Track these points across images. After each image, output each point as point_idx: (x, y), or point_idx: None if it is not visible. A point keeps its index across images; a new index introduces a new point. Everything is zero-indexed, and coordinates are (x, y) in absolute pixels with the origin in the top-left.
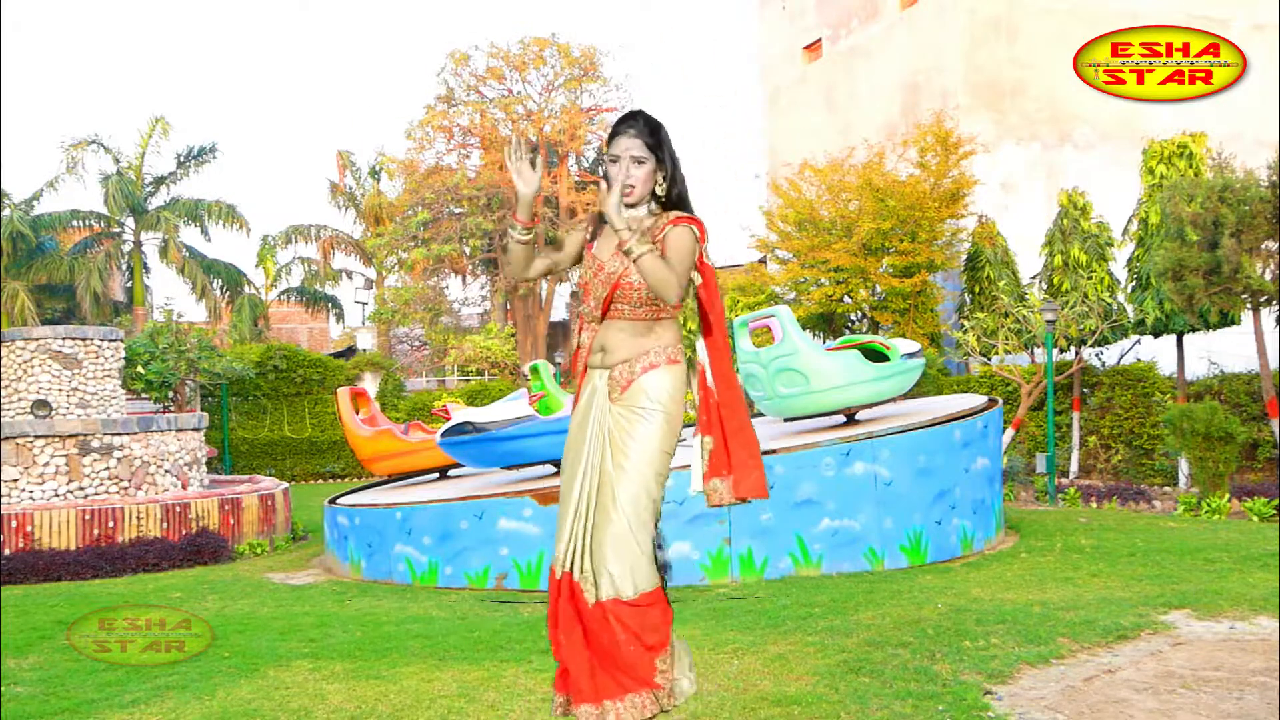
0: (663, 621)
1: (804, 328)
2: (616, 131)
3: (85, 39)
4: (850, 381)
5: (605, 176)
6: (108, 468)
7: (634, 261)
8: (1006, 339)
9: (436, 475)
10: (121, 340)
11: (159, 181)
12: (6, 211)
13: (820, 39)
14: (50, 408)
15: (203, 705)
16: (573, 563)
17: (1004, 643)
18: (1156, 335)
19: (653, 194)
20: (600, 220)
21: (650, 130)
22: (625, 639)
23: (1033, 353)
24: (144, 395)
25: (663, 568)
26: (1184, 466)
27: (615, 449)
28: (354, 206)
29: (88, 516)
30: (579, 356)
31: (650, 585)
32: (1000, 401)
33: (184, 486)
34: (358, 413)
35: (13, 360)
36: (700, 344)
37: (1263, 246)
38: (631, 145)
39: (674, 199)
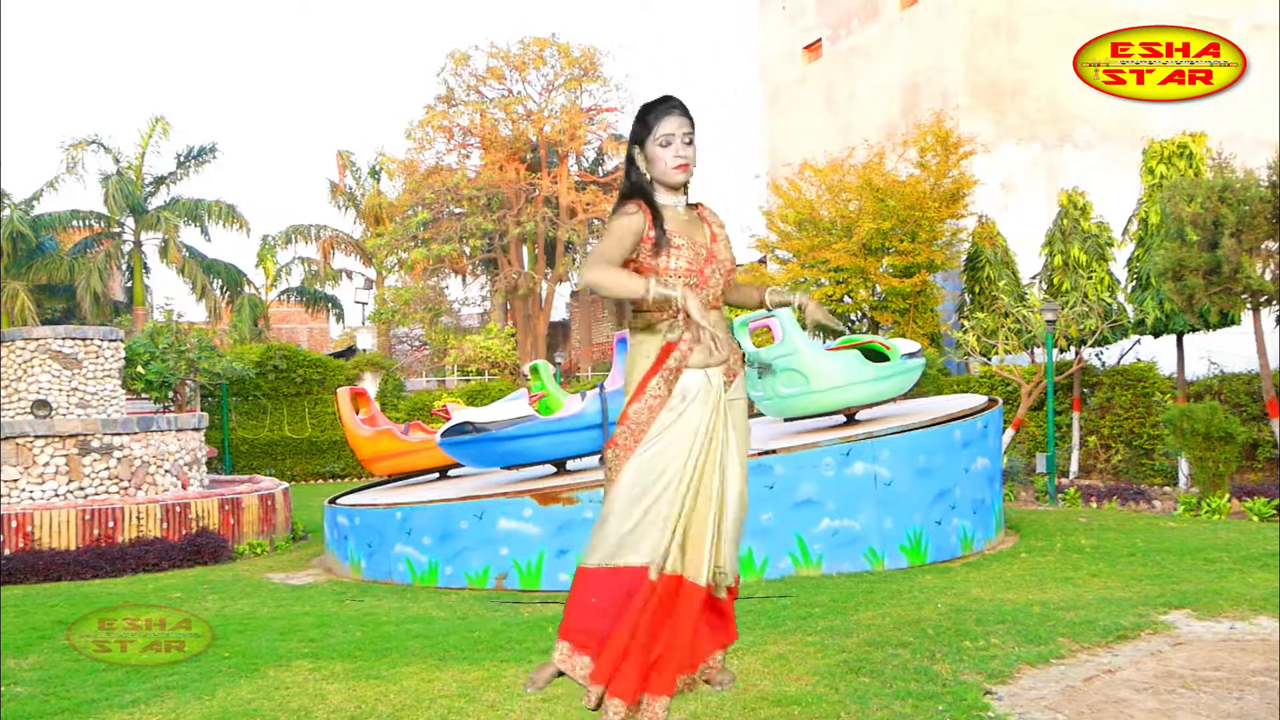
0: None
1: (804, 328)
2: (661, 113)
3: (85, 39)
4: (850, 381)
5: (629, 160)
6: (108, 468)
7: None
8: (1006, 339)
9: (436, 475)
10: (121, 340)
11: (159, 181)
12: (6, 211)
13: (820, 39)
14: (50, 408)
15: (203, 705)
16: (688, 560)
17: (1004, 643)
18: (1156, 335)
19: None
20: (660, 230)
21: (688, 114)
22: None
23: (1033, 353)
24: (144, 395)
25: None
26: (1184, 466)
27: (739, 442)
28: (354, 206)
29: (88, 516)
30: (667, 349)
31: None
32: (1000, 401)
33: (184, 486)
34: (358, 413)
35: (13, 360)
36: None
37: (1263, 246)
38: (683, 124)
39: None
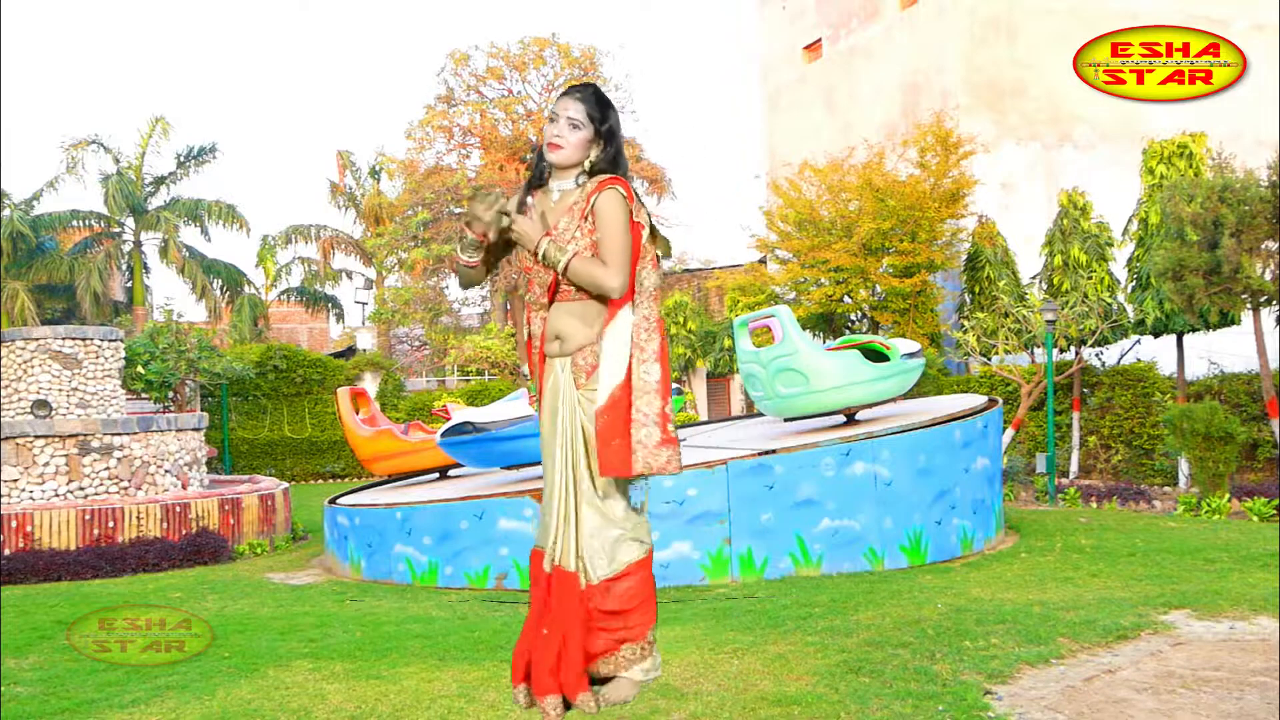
0: (649, 594)
1: (804, 328)
2: (563, 94)
3: (85, 39)
4: (850, 381)
5: (539, 152)
6: (108, 468)
7: (560, 273)
8: (1006, 339)
9: (436, 475)
10: (121, 340)
11: (159, 181)
12: (6, 211)
13: (820, 39)
14: (50, 408)
15: (203, 705)
16: (561, 553)
17: (1004, 643)
18: (1156, 335)
19: (585, 170)
20: (526, 197)
21: (597, 102)
22: (611, 615)
23: (1033, 353)
24: (144, 395)
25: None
26: (1184, 466)
27: (589, 437)
28: (354, 206)
29: (88, 516)
30: (531, 346)
31: (633, 557)
32: (1000, 401)
33: (184, 486)
34: (358, 413)
35: (13, 360)
36: (625, 311)
37: (1263, 246)
38: (572, 107)
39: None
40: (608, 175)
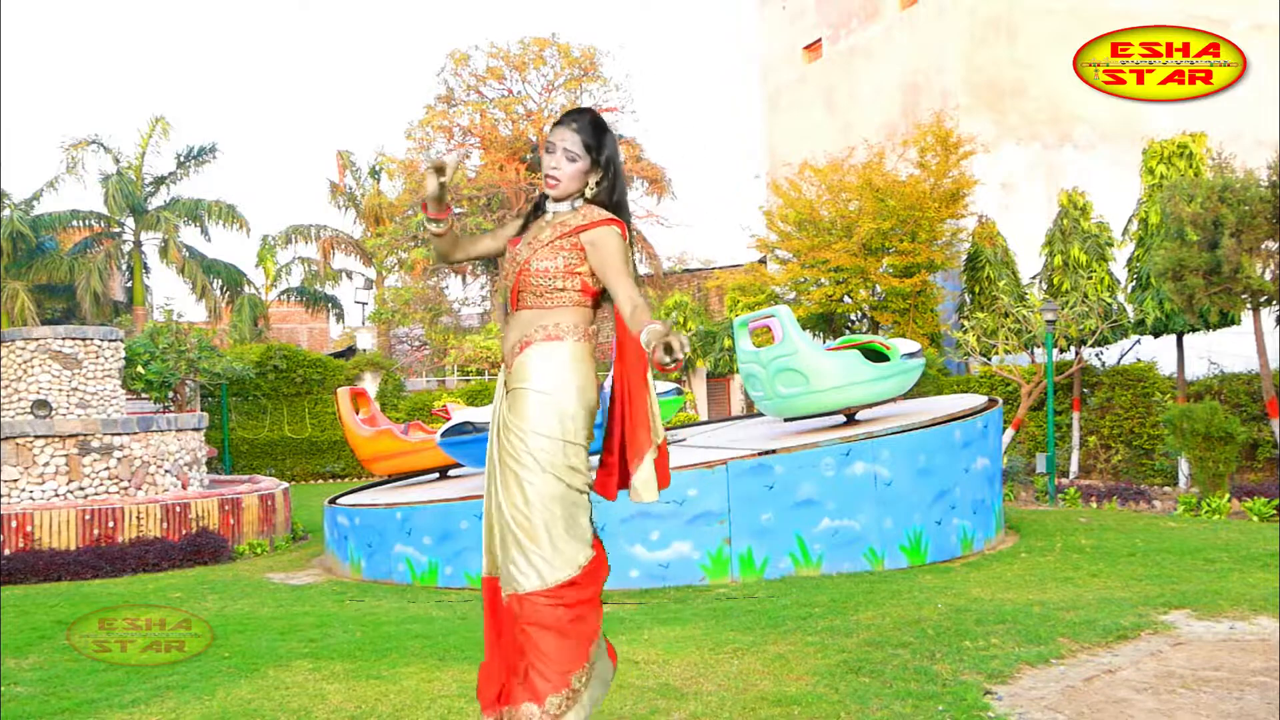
0: (581, 616)
1: (804, 328)
2: (559, 122)
3: (85, 39)
4: (850, 381)
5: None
6: (108, 468)
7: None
8: (1006, 339)
9: (436, 475)
10: (121, 340)
11: (159, 181)
12: (6, 211)
13: (820, 39)
14: (50, 408)
15: (203, 705)
16: (490, 563)
17: (1004, 643)
18: (1156, 335)
19: (583, 196)
20: (533, 215)
21: (593, 130)
22: (537, 634)
23: (1033, 353)
24: (144, 395)
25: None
26: (1184, 466)
27: (503, 439)
28: (354, 206)
29: (88, 516)
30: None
31: (560, 578)
32: (1000, 401)
33: (184, 486)
34: (358, 413)
35: (13, 360)
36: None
37: (1263, 246)
38: (568, 138)
39: (611, 207)
40: (606, 216)
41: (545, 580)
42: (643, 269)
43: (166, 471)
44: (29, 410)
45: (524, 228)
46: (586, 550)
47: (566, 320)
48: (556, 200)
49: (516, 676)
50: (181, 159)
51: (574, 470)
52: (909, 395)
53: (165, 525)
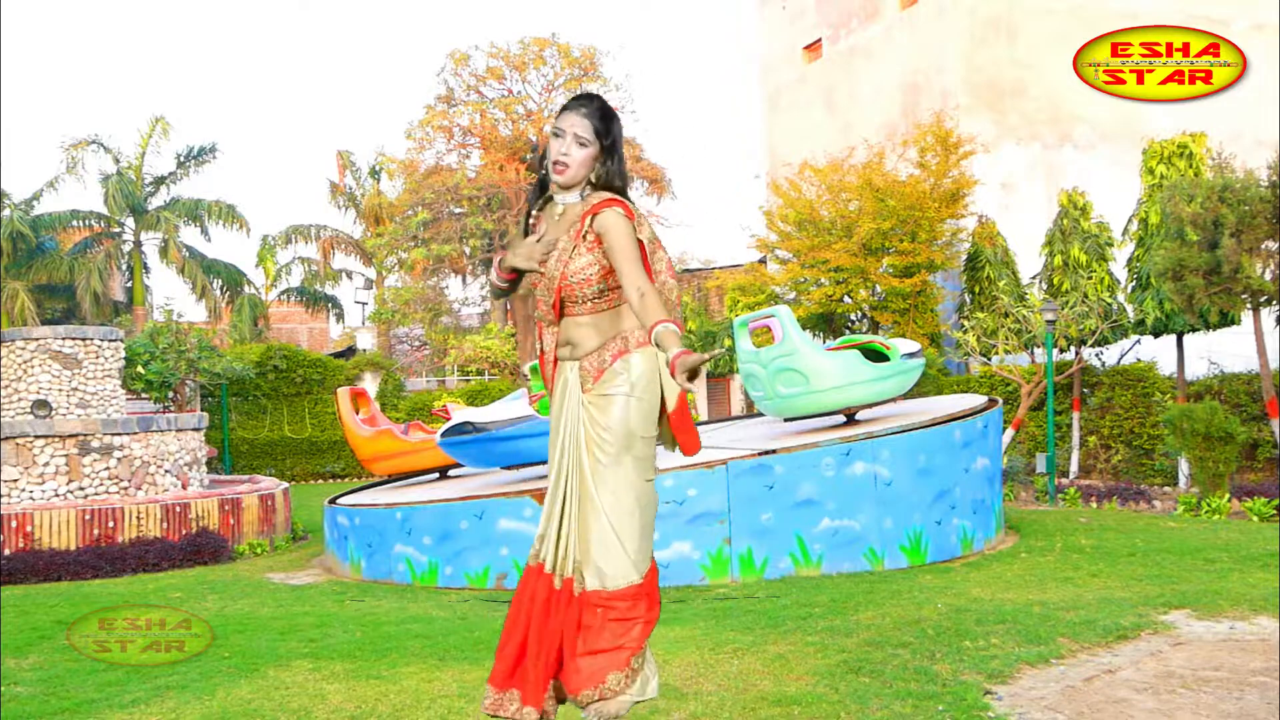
0: (644, 617)
1: (804, 328)
2: (567, 108)
3: (85, 39)
4: (850, 381)
5: (542, 157)
6: (108, 468)
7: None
8: (1006, 339)
9: (436, 475)
10: (121, 340)
11: (159, 181)
12: (6, 211)
13: (820, 39)
14: (50, 408)
15: (203, 705)
16: (559, 560)
17: (1004, 643)
18: (1156, 335)
19: (590, 184)
20: (538, 209)
21: (602, 116)
22: (606, 630)
23: (1033, 353)
24: (144, 395)
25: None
26: (1184, 466)
27: (591, 441)
28: (354, 206)
29: (88, 516)
30: (544, 360)
31: (630, 580)
32: (1000, 401)
33: (184, 486)
34: (358, 413)
35: (13, 360)
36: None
37: (1263, 246)
38: (578, 124)
39: (616, 192)
40: (606, 196)
41: (631, 577)
42: None
43: (166, 471)
44: (29, 410)
45: (525, 229)
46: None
47: (632, 321)
48: (565, 188)
49: (574, 661)
50: (181, 159)
51: (652, 469)
52: (909, 395)
53: (165, 525)
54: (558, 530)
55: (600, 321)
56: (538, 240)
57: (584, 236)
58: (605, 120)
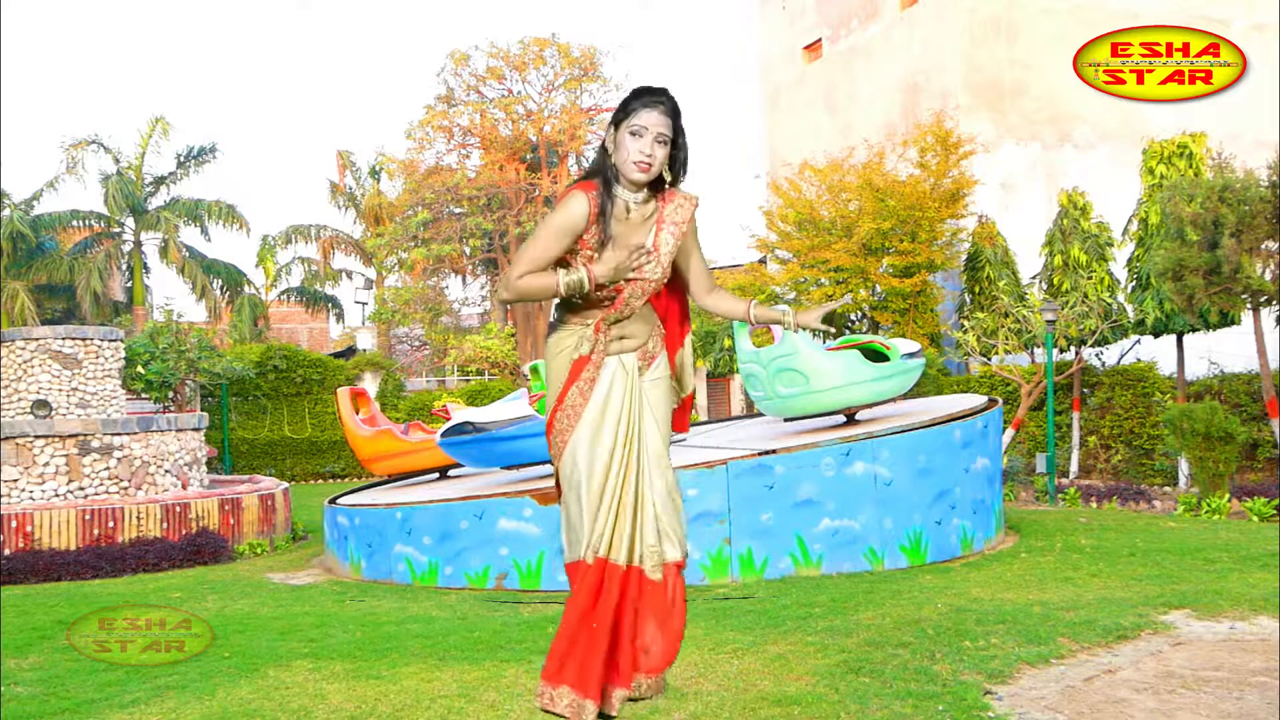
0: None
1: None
2: (644, 104)
3: (85, 39)
4: (850, 381)
5: (603, 150)
6: (108, 468)
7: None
8: (1006, 339)
9: (436, 475)
10: (121, 340)
11: (159, 181)
12: (6, 211)
13: (820, 39)
14: (50, 408)
15: (203, 705)
16: (631, 546)
17: (1004, 643)
18: (1156, 335)
19: (662, 180)
20: (612, 223)
21: (675, 111)
22: (680, 598)
23: (1033, 353)
24: (144, 395)
25: None
26: (1184, 466)
27: (654, 422)
28: (354, 206)
29: (88, 516)
30: (586, 361)
31: (686, 551)
32: (1000, 401)
33: (184, 486)
34: (358, 413)
35: (13, 360)
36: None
37: (1263, 246)
38: (660, 122)
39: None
40: (680, 191)
41: (683, 550)
42: None
43: (166, 471)
44: (29, 410)
45: (601, 215)
46: None
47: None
48: (641, 187)
49: (642, 649)
50: (181, 159)
51: None
52: (909, 395)
53: (165, 525)
54: (632, 516)
55: (647, 311)
56: (622, 248)
57: (667, 233)
58: (678, 115)
